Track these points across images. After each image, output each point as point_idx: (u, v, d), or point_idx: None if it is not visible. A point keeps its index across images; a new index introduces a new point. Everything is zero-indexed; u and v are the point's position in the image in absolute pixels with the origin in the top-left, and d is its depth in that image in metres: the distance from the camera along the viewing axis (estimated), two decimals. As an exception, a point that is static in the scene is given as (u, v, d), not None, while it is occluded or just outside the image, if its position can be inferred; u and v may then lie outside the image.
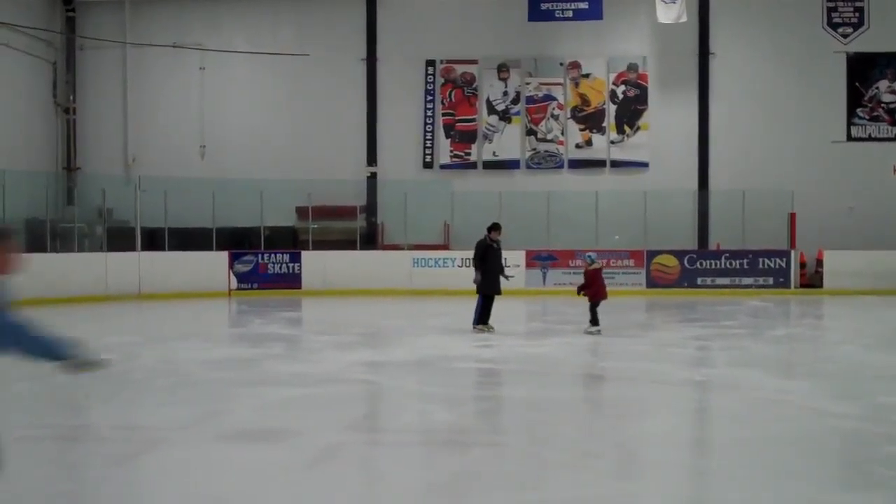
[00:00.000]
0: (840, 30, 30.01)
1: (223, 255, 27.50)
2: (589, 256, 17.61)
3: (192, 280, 26.65)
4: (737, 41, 30.55)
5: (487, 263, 17.17)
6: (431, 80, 31.36)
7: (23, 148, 29.07)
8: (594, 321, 16.69)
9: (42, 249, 25.83)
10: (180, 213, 27.68)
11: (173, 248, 27.31)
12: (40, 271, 23.94)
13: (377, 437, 9.09)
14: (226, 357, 14.64)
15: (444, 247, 29.29)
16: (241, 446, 8.31)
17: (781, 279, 27.33)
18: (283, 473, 7.35)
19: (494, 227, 17.64)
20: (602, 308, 16.72)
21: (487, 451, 8.24)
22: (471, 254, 26.87)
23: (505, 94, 31.25)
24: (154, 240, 27.69)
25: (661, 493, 7.00)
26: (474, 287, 17.37)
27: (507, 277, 17.54)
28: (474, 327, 17.00)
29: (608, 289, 17.25)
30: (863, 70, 30.11)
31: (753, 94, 30.36)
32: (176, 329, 19.45)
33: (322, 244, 28.69)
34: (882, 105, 30.10)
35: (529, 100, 31.22)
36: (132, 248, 26.83)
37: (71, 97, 31.33)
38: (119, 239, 27.29)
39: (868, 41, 29.89)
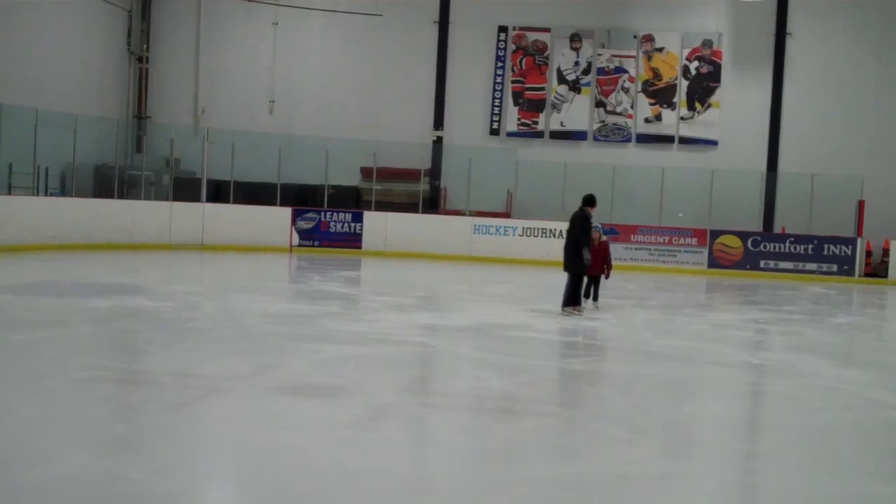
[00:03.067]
0: (923, 14, 29.42)
1: (286, 211, 27.70)
2: (599, 227, 16.38)
3: (254, 234, 26.93)
4: (815, 22, 30.01)
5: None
6: (503, 47, 31.22)
7: (95, 94, 29.46)
8: (596, 296, 16.24)
9: (110, 195, 26.25)
10: (246, 166, 27.94)
11: (238, 201, 27.59)
12: (107, 216, 24.42)
13: (430, 400, 9.13)
14: (284, 312, 14.77)
15: (506, 215, 29.25)
16: (296, 400, 8.40)
17: (846, 267, 26.95)
18: (335, 430, 7.42)
19: (594, 202, 15.78)
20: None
21: (538, 421, 8.25)
22: (534, 224, 27.02)
23: (576, 64, 31.04)
24: (219, 192, 27.99)
25: (711, 475, 6.96)
26: (570, 264, 15.35)
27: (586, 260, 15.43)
28: (563, 310, 15.38)
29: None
30: (944, 57, 29.50)
31: (829, 77, 29.87)
32: (237, 281, 19.66)
33: (384, 205, 28.80)
34: (962, 95, 29.51)
35: (600, 71, 30.98)
36: (197, 199, 27.13)
37: (145, 46, 31.62)
38: (185, 189, 27.62)
39: (951, 26, 29.28)
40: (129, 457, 6.46)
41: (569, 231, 15.64)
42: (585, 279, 15.78)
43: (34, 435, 6.84)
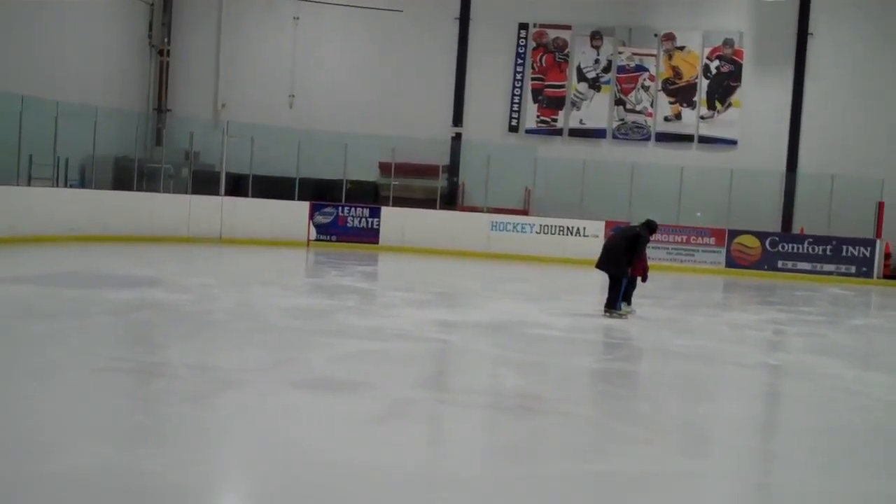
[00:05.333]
0: (946, 15, 29.25)
1: (304, 206, 27.72)
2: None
3: (272, 228, 26.97)
4: (837, 22, 29.85)
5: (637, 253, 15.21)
6: (523, 44, 31.18)
7: (116, 87, 29.55)
8: (629, 299, 15.48)
9: (129, 188, 26.33)
10: (265, 160, 27.98)
11: (256, 195, 27.61)
12: (126, 208, 24.52)
13: (446, 397, 9.12)
14: (302, 306, 14.82)
15: (524, 212, 29.21)
16: (313, 394, 8.42)
17: (864, 268, 26.81)
18: (352, 424, 7.43)
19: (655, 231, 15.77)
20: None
21: (555, 419, 8.24)
22: (552, 221, 27.10)
23: (596, 61, 30.97)
24: (238, 185, 28.04)
25: (727, 475, 6.95)
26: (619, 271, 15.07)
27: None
28: (612, 312, 15.04)
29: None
30: (967, 59, 29.32)
31: (851, 77, 29.72)
32: (254, 275, 19.68)
33: (402, 201, 28.79)
34: (984, 97, 29.33)
35: (621, 69, 30.91)
36: (216, 193, 27.19)
37: (166, 39, 31.71)
38: (204, 182, 27.69)
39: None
40: (146, 448, 6.48)
41: (621, 238, 15.35)
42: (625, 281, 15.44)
43: (52, 425, 6.88)
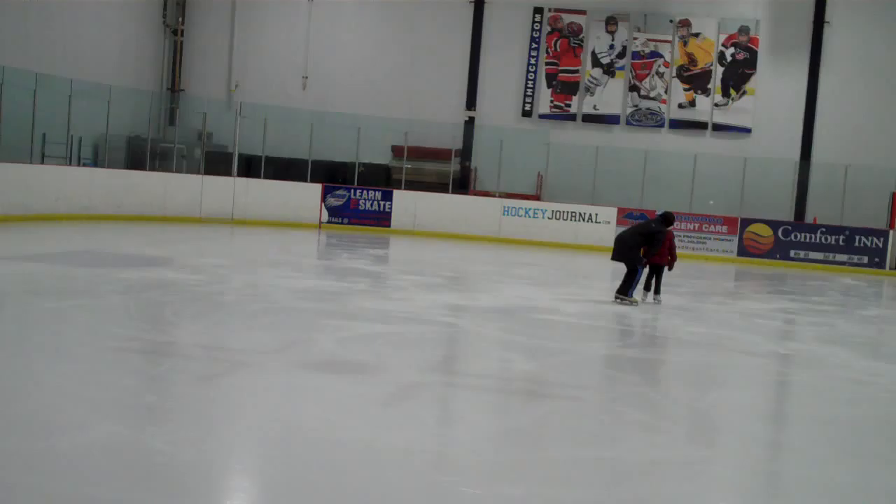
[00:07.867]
0: (964, 6, 29.04)
1: (316, 188, 27.74)
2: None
3: (284, 209, 27.00)
4: (854, 11, 29.69)
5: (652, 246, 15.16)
6: (538, 28, 31.09)
7: (130, 66, 29.58)
8: (658, 288, 15.49)
9: (141, 167, 26.38)
10: (278, 142, 28.00)
11: (269, 176, 27.64)
12: (139, 188, 24.56)
13: (455, 380, 9.13)
14: (312, 288, 14.83)
15: (536, 197, 29.18)
16: (321, 376, 8.43)
17: (877, 259, 26.72)
18: (360, 407, 7.44)
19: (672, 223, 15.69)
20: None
21: (564, 405, 8.23)
22: (563, 207, 27.03)
23: (611, 47, 30.87)
24: (250, 166, 28.06)
25: (734, 463, 6.94)
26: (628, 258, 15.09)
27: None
28: (622, 298, 14.99)
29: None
30: (984, 50, 29.12)
31: (866, 67, 29.56)
32: (266, 256, 19.73)
33: (414, 184, 28.79)
34: None
35: (635, 55, 30.80)
36: (228, 173, 27.22)
37: (180, 19, 31.70)
38: (216, 163, 27.73)
39: None
40: (155, 427, 6.51)
41: (636, 232, 15.33)
42: (647, 269, 15.38)
43: (62, 402, 6.90)
